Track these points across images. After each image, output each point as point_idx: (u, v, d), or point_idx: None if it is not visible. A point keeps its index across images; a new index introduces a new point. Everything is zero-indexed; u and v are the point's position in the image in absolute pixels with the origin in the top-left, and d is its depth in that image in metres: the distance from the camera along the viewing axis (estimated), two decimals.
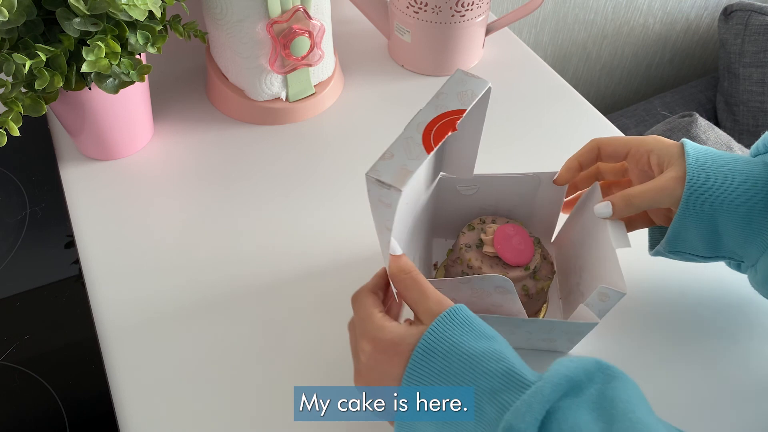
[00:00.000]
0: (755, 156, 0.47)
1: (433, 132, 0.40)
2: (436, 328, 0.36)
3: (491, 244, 0.49)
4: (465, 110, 0.40)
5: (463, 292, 0.46)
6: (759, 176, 0.43)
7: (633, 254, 0.47)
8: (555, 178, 0.51)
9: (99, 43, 0.51)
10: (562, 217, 0.55)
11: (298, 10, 0.61)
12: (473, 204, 0.54)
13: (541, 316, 0.52)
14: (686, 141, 0.46)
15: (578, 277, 0.50)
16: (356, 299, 0.41)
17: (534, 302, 0.50)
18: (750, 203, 0.43)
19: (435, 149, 0.38)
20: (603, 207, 0.46)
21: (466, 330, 0.36)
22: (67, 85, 0.54)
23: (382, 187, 0.37)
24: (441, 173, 0.52)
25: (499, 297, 0.45)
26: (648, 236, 0.52)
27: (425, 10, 0.70)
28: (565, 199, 0.54)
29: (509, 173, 0.52)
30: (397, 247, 0.41)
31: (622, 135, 0.48)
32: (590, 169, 0.52)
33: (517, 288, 0.48)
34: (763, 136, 0.47)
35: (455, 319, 0.36)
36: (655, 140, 0.46)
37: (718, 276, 0.56)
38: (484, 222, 0.52)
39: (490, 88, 0.42)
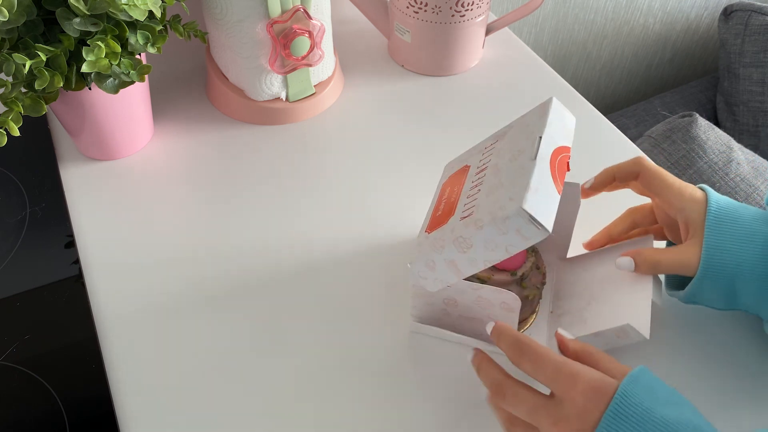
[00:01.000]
0: None
1: (557, 169, 0.41)
2: (625, 389, 0.35)
3: None
4: (570, 147, 0.42)
5: (468, 296, 0.46)
6: None
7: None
8: (590, 185, 0.51)
9: (99, 43, 0.51)
10: (576, 235, 0.55)
11: (298, 10, 0.61)
12: None
13: (528, 325, 0.51)
14: (710, 207, 0.46)
15: (585, 303, 0.50)
16: (525, 347, 0.39)
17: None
18: None
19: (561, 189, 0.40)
20: (627, 262, 0.48)
21: (653, 393, 0.36)
22: (67, 85, 0.54)
23: (531, 224, 0.37)
24: None
25: (499, 312, 0.45)
26: (664, 277, 0.52)
27: (425, 10, 0.70)
28: (591, 239, 0.55)
29: None
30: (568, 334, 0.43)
31: (667, 172, 0.49)
32: (625, 221, 0.53)
33: None
34: None
35: (643, 379, 0.36)
36: (691, 198, 0.47)
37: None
38: None
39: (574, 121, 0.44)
